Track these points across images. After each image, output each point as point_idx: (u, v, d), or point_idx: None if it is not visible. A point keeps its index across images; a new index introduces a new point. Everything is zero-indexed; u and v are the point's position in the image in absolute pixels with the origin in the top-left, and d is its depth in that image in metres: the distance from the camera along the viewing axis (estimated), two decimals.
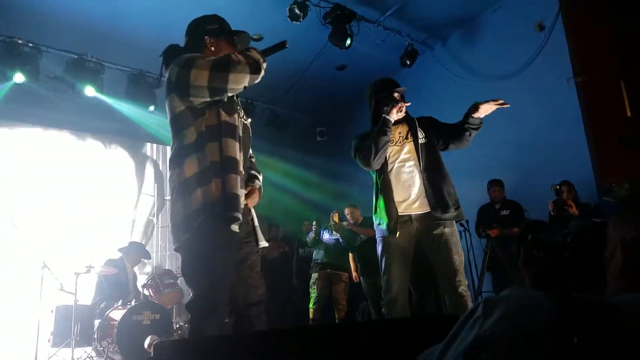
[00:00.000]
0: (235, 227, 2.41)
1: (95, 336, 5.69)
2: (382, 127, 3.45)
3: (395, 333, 1.70)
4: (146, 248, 7.24)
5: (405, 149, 3.53)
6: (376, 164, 3.51)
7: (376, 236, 3.58)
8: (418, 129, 3.56)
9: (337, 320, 6.78)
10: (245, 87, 2.44)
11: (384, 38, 7.54)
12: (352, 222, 6.87)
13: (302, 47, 7.56)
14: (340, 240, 6.87)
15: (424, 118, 3.70)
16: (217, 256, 2.35)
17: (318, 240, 7.09)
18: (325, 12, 6.70)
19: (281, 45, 2.60)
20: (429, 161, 3.46)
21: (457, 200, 3.45)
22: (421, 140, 3.52)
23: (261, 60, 2.45)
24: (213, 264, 2.34)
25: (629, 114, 6.01)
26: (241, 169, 2.49)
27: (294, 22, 6.35)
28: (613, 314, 0.78)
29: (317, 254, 7.08)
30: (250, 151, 2.88)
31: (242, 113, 2.70)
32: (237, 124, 2.54)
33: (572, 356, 0.74)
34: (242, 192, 2.47)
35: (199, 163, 2.40)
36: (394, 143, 3.56)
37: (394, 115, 3.47)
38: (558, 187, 5.52)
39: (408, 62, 7.69)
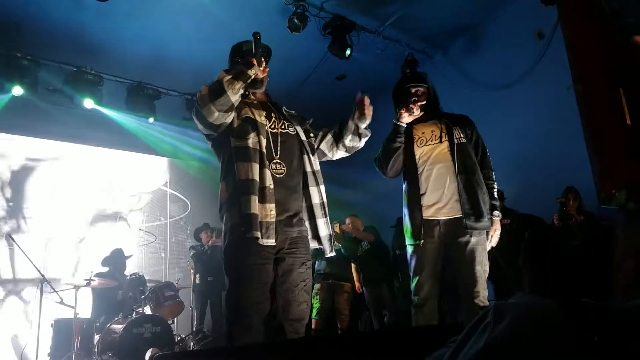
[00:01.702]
0: (267, 241, 2.54)
1: (96, 349, 5.64)
2: (391, 135, 3.32)
3: (398, 343, 1.68)
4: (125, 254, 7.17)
5: (438, 150, 3.30)
6: (391, 172, 3.41)
7: (406, 242, 3.42)
8: (455, 127, 3.34)
9: (339, 331, 6.75)
10: (227, 109, 2.55)
11: (384, 48, 7.55)
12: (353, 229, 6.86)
13: (302, 57, 7.57)
14: (342, 250, 6.85)
15: (464, 118, 3.48)
16: (240, 267, 2.54)
17: (320, 250, 7.05)
18: (324, 22, 6.72)
19: (255, 40, 2.61)
20: (465, 163, 3.25)
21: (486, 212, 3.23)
22: (458, 141, 3.29)
23: (225, 79, 2.52)
24: (237, 274, 2.56)
25: (629, 121, 6.00)
26: (267, 184, 2.61)
27: (294, 32, 6.36)
28: (622, 320, 0.77)
29: (319, 265, 7.05)
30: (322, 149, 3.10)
31: (280, 124, 2.85)
32: (249, 144, 2.64)
33: None
34: (260, 209, 2.56)
35: (225, 190, 2.69)
36: (424, 143, 3.33)
37: (405, 119, 3.27)
38: (563, 200, 5.47)
39: (408, 72, 7.69)
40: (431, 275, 3.22)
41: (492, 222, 3.22)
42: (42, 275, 5.79)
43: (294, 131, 2.88)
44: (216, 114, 2.53)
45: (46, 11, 6.32)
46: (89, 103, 7.28)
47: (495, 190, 3.34)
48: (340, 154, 3.16)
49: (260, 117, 2.75)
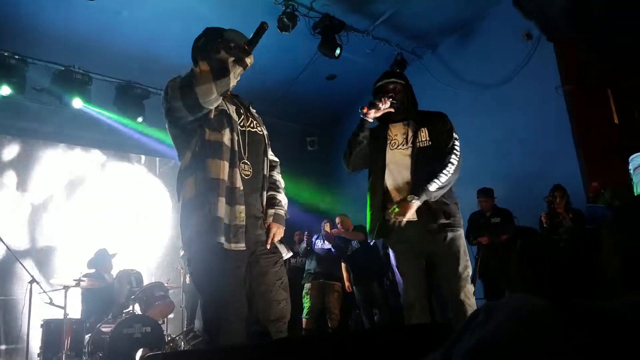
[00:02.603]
0: (237, 246, 2.42)
1: (86, 350, 5.62)
2: (355, 128, 3.26)
3: (390, 342, 1.69)
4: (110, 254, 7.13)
5: (403, 154, 3.19)
6: (350, 167, 3.37)
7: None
8: (423, 129, 3.20)
9: (330, 330, 6.76)
10: (223, 93, 2.38)
11: (373, 47, 7.58)
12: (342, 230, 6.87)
13: (292, 57, 7.57)
14: (332, 249, 6.86)
15: (436, 116, 3.31)
16: (213, 275, 2.41)
17: (310, 250, 7.08)
18: (314, 22, 6.73)
19: (261, 29, 2.47)
20: (424, 169, 3.09)
21: (449, 211, 3.10)
22: (422, 144, 3.16)
23: (229, 60, 2.36)
24: (211, 283, 2.43)
25: (616, 120, 6.07)
26: (237, 185, 2.47)
27: (283, 32, 6.36)
28: (610, 318, 0.78)
29: (310, 264, 7.06)
30: (273, 158, 2.88)
31: (248, 122, 2.68)
32: (224, 140, 2.50)
33: None
34: (229, 212, 2.43)
35: (194, 186, 2.47)
36: (395, 146, 3.24)
37: (372, 115, 3.17)
38: (551, 198, 5.50)
39: (398, 71, 7.70)
40: (416, 275, 3.15)
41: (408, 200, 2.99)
42: (32, 276, 5.75)
43: (261, 132, 2.75)
44: (214, 95, 2.33)
45: (34, 10, 6.29)
46: (77, 102, 7.25)
47: (438, 180, 3.04)
48: None
49: (233, 113, 2.63)
